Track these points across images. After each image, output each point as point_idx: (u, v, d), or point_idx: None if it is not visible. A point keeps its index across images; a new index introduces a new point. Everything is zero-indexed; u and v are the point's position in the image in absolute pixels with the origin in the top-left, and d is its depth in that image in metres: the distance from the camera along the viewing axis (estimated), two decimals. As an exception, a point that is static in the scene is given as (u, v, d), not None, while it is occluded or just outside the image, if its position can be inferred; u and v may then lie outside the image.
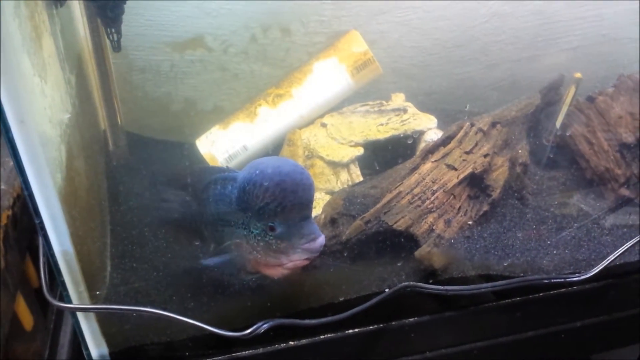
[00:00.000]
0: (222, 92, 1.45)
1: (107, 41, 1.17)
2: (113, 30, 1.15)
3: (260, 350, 0.95)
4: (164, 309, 0.85)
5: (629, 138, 1.23)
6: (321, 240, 0.85)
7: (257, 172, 0.84)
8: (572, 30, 1.54)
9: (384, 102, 1.43)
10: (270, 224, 0.85)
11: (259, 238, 0.87)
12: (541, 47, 1.54)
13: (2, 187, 1.00)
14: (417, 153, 1.22)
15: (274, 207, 0.83)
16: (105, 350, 0.90)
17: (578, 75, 1.27)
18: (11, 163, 1.04)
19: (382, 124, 1.35)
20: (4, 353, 0.87)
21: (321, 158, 1.31)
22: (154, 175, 1.29)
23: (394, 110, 1.40)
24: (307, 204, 0.86)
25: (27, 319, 0.98)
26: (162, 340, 0.92)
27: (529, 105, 1.32)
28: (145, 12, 1.29)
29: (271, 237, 0.86)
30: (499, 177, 1.14)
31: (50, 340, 1.05)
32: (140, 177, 1.28)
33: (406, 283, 0.96)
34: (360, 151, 1.31)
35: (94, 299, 0.87)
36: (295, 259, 0.86)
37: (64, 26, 1.03)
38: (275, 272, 0.90)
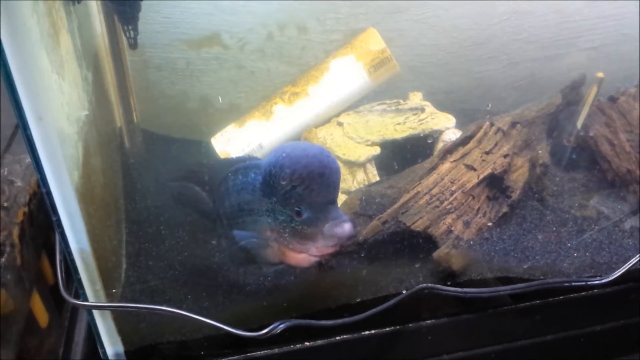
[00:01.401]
0: (238, 90, 1.44)
1: (124, 38, 1.17)
2: (130, 27, 1.15)
3: (276, 350, 0.95)
4: (180, 308, 0.84)
5: (652, 139, 1.21)
6: (350, 226, 0.82)
7: (284, 155, 0.82)
8: (593, 29, 1.52)
9: (401, 100, 1.42)
10: (296, 209, 0.83)
11: (285, 224, 0.85)
12: (561, 46, 1.52)
13: (19, 184, 1.00)
14: (436, 153, 1.21)
15: (302, 190, 0.81)
16: (120, 348, 0.90)
17: (600, 74, 1.24)
18: (27, 160, 1.05)
19: (399, 123, 1.34)
20: (18, 349, 0.87)
21: (337, 157, 1.30)
22: (171, 172, 1.29)
23: (411, 109, 1.38)
24: (334, 187, 0.84)
25: (42, 315, 0.98)
26: (178, 339, 0.92)
27: (550, 105, 1.30)
28: (162, 10, 1.29)
29: (297, 223, 0.83)
30: (518, 178, 1.13)
31: (65, 337, 1.05)
32: (156, 175, 1.28)
33: (424, 285, 0.95)
34: (377, 150, 1.30)
35: (110, 297, 0.87)
36: (323, 245, 0.84)
37: (81, 23, 1.03)
38: (302, 260, 0.87)
